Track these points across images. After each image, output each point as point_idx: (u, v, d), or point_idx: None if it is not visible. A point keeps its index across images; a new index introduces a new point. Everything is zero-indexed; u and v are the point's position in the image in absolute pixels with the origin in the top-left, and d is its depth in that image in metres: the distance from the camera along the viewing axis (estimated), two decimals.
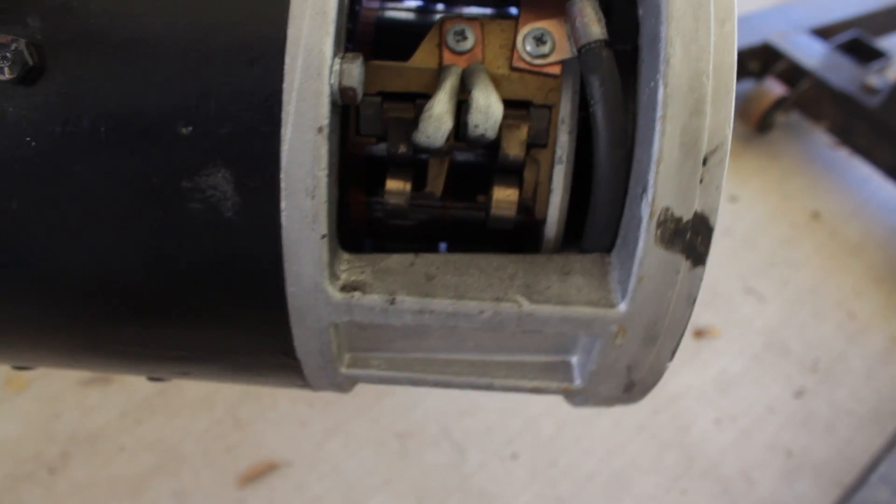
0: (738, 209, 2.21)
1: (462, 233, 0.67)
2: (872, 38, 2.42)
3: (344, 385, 0.67)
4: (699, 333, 1.90)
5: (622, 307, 0.56)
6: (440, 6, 0.68)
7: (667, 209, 0.52)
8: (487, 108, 0.54)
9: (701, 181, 0.52)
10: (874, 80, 2.22)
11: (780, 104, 2.33)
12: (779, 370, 1.86)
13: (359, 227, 0.65)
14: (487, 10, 0.66)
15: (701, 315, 1.93)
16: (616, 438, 1.70)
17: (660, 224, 0.53)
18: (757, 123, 2.36)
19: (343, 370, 0.64)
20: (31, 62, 0.51)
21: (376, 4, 0.68)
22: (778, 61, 2.36)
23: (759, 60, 2.39)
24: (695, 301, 0.56)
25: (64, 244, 0.57)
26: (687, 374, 1.82)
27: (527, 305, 0.56)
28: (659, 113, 0.51)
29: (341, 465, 1.61)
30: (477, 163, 0.62)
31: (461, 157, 0.62)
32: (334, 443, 1.63)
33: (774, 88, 2.33)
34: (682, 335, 0.58)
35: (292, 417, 1.66)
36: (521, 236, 0.66)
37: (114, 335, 0.64)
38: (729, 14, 0.52)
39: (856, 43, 2.38)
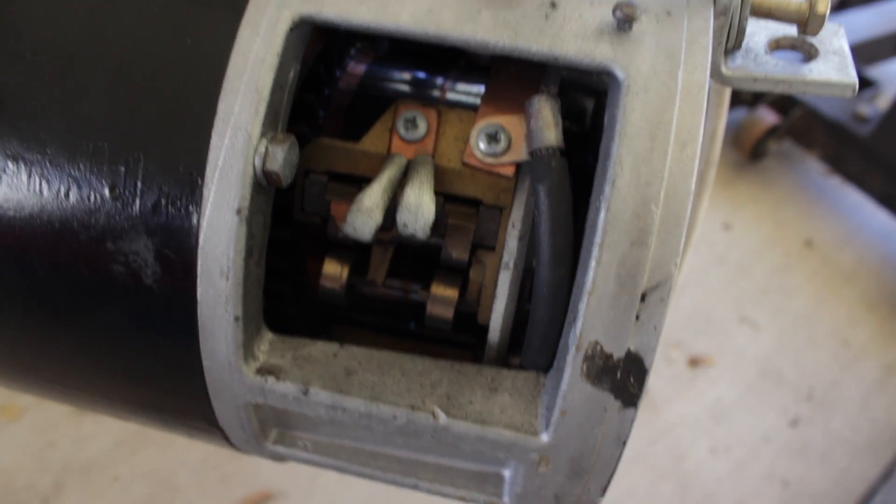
0: (732, 237, 2.22)
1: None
2: (862, 67, 2.45)
3: (275, 457, 0.65)
4: (694, 362, 1.90)
5: (544, 437, 0.52)
6: (439, 79, 0.66)
7: (595, 343, 0.48)
8: (417, 207, 0.52)
9: (637, 318, 0.47)
10: (865, 108, 2.25)
11: (772, 132, 2.35)
12: (774, 399, 1.86)
13: (320, 295, 0.63)
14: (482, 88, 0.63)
15: (696, 343, 1.94)
16: None
17: (587, 358, 0.49)
18: (750, 151, 2.38)
19: (269, 446, 0.62)
20: None
21: (361, 69, 0.66)
22: None
23: None
24: (625, 442, 0.51)
25: None
26: (682, 403, 1.82)
27: (443, 419, 0.53)
28: (597, 239, 0.47)
29: (337, 496, 1.60)
30: (432, 247, 0.59)
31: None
32: (330, 472, 1.63)
33: (767, 117, 2.36)
34: (612, 474, 0.53)
35: None
36: (480, 333, 0.62)
37: (44, 373, 0.66)
38: (692, 136, 0.47)
39: None
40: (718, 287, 2.09)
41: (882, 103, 2.37)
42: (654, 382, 1.84)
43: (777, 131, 2.36)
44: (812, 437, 1.80)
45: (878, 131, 2.19)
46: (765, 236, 2.24)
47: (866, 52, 2.56)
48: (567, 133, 0.57)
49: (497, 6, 0.50)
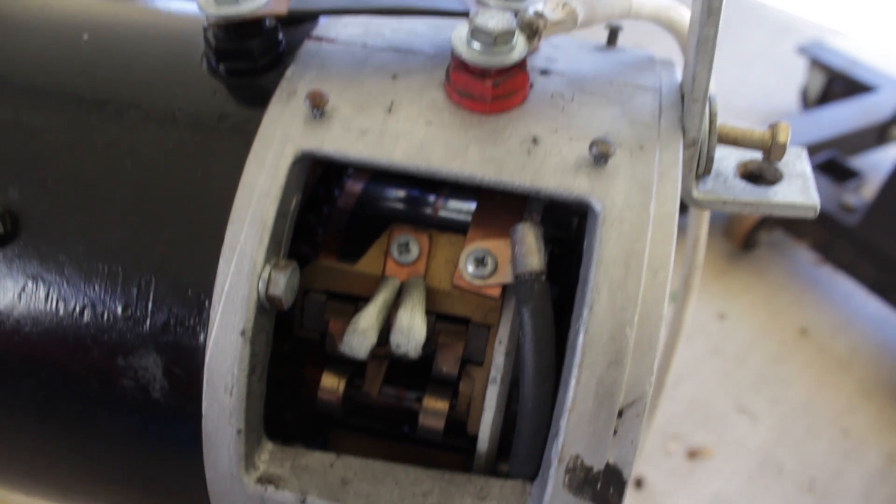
0: (727, 327, 2.25)
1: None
2: (846, 158, 2.53)
3: None
4: (693, 454, 1.90)
5: None
6: (431, 197, 0.70)
7: (576, 457, 0.51)
8: (410, 330, 0.55)
9: (615, 433, 0.51)
10: (851, 198, 2.31)
11: (763, 222, 2.41)
12: (775, 490, 1.85)
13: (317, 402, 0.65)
14: (473, 205, 0.67)
15: (694, 435, 1.94)
16: None
17: (569, 470, 0.52)
18: (742, 241, 2.43)
19: None
20: (1, 230, 0.57)
21: (359, 188, 0.71)
22: None
23: None
24: None
25: (10, 395, 0.62)
26: (682, 497, 1.81)
27: None
28: (577, 360, 0.51)
29: None
30: (425, 356, 0.63)
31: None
32: None
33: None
34: None
35: None
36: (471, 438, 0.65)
37: (49, 477, 0.69)
38: (663, 263, 0.51)
39: (832, 163, 2.48)
40: (715, 377, 2.10)
41: (867, 193, 2.43)
42: (652, 475, 1.83)
43: (767, 221, 2.41)
44: None
45: (865, 220, 2.24)
46: (760, 325, 2.26)
47: (849, 144, 2.65)
48: (553, 241, 0.61)
49: (483, 142, 0.55)
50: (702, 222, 0.87)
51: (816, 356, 2.19)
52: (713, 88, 0.58)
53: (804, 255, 2.50)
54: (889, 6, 3.81)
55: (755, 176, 0.62)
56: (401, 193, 0.72)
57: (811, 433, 1.98)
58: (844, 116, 2.69)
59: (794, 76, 3.15)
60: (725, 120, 0.61)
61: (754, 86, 3.20)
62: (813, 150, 2.56)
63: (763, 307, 2.32)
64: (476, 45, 0.54)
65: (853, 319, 2.31)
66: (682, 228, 0.86)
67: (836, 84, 2.89)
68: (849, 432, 1.99)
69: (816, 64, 2.91)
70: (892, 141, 2.71)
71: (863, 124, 2.66)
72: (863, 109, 2.72)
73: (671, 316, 0.96)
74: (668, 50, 0.72)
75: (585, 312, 0.51)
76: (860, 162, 2.66)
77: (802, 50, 2.94)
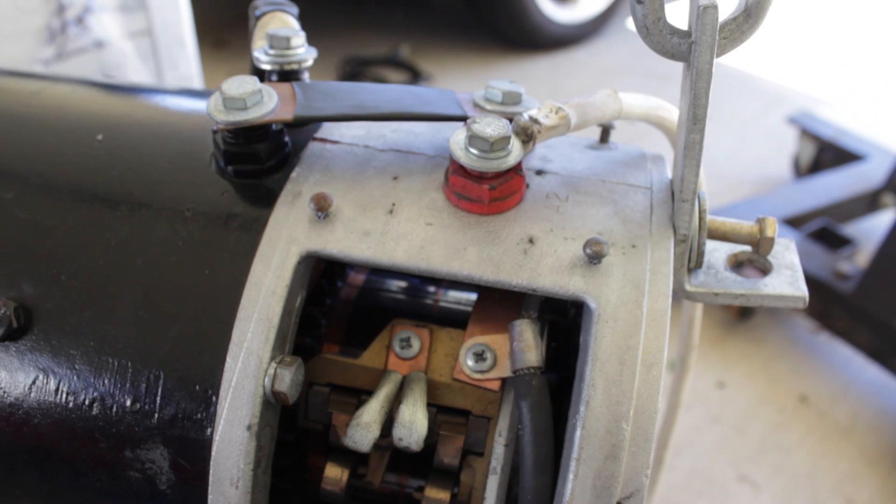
0: (727, 395, 2.25)
1: None
2: (839, 226, 2.56)
3: None
4: None
5: None
6: (432, 287, 0.72)
7: None
8: (412, 424, 0.57)
9: None
10: (845, 266, 2.33)
11: None
12: None
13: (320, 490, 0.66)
14: (472, 296, 0.68)
15: None
16: None
17: None
18: (739, 309, 2.44)
19: None
20: (15, 324, 0.59)
21: (361, 279, 0.73)
22: None
23: None
24: None
25: (16, 487, 0.63)
26: None
27: None
28: (574, 454, 0.52)
29: None
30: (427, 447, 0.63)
31: None
32: None
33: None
34: None
35: None
36: None
37: None
38: (657, 359, 0.53)
39: (824, 231, 2.51)
40: (715, 447, 2.08)
41: (861, 260, 2.46)
42: None
43: None
44: None
45: (860, 288, 2.25)
46: (759, 393, 2.26)
47: (842, 211, 2.68)
48: (552, 327, 0.62)
49: (481, 243, 0.57)
50: (696, 304, 0.89)
51: (817, 424, 2.18)
52: (703, 184, 0.61)
53: (801, 323, 2.51)
54: (873, 77, 3.92)
55: (745, 267, 0.64)
56: (402, 284, 0.74)
57: (814, 503, 1.96)
58: (836, 185, 2.74)
59: (786, 145, 3.21)
60: (717, 198, 0.63)
61: (747, 155, 3.26)
62: (806, 218, 2.60)
63: (762, 375, 2.32)
64: (473, 150, 0.57)
65: (852, 386, 2.31)
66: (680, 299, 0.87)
67: (827, 153, 2.95)
68: (853, 501, 1.97)
69: (806, 134, 2.97)
70: (883, 208, 2.76)
71: (854, 192, 2.71)
72: (854, 178, 2.77)
73: (669, 392, 0.97)
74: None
75: (582, 408, 0.52)
76: (853, 229, 2.70)
77: (792, 120, 3.01)
